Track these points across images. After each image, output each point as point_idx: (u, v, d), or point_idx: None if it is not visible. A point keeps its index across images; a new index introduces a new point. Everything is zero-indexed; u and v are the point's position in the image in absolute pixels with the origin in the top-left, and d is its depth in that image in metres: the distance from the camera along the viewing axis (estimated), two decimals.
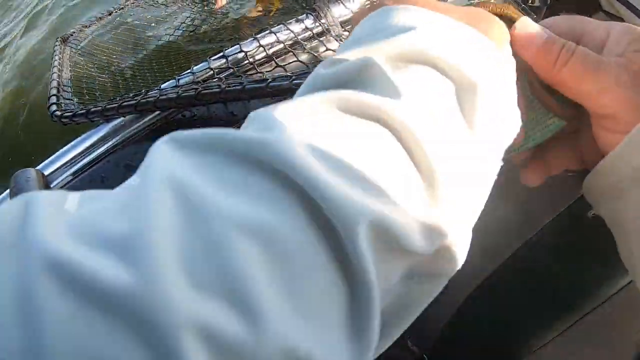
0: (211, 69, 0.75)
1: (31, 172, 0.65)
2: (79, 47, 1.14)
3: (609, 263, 0.34)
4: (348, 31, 0.86)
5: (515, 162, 0.33)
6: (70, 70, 1.01)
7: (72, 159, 0.75)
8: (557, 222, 0.37)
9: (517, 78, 0.27)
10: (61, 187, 0.73)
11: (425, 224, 0.20)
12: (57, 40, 1.14)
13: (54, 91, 0.88)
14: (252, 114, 0.21)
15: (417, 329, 0.48)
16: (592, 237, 0.36)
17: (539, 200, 0.38)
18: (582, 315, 0.35)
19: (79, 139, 0.76)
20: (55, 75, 0.94)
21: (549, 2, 0.82)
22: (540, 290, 0.38)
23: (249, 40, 0.77)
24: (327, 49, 0.77)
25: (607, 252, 0.34)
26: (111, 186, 0.18)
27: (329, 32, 0.80)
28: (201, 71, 0.76)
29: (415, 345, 0.48)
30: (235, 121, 0.77)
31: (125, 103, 0.73)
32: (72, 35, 1.17)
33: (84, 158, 0.75)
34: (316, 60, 0.74)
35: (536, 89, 0.31)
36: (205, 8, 1.27)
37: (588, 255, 0.36)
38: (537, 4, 0.85)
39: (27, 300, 0.14)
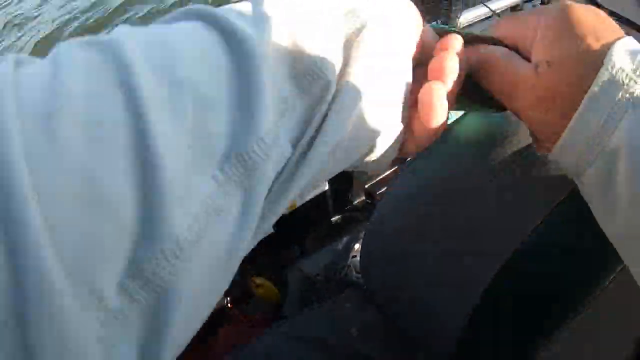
0: None
1: None
2: None
3: (604, 256, 0.36)
4: None
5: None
6: None
7: None
8: (548, 221, 0.39)
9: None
10: None
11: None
12: None
13: None
14: None
15: (429, 341, 0.51)
16: (584, 232, 0.37)
17: (528, 204, 0.40)
18: (584, 311, 0.37)
19: None
20: None
21: None
22: (542, 291, 0.39)
23: None
24: None
25: (603, 245, 0.35)
26: None
27: None
28: None
29: (427, 356, 0.50)
30: None
31: None
32: None
33: None
34: None
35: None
36: None
37: (583, 249, 0.38)
38: None
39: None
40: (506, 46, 0.33)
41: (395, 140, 0.31)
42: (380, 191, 1.09)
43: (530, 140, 0.38)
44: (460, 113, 0.45)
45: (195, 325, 0.23)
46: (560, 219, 0.39)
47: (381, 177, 1.11)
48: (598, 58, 0.28)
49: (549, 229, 0.39)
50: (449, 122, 0.38)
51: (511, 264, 0.40)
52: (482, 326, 0.43)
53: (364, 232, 0.99)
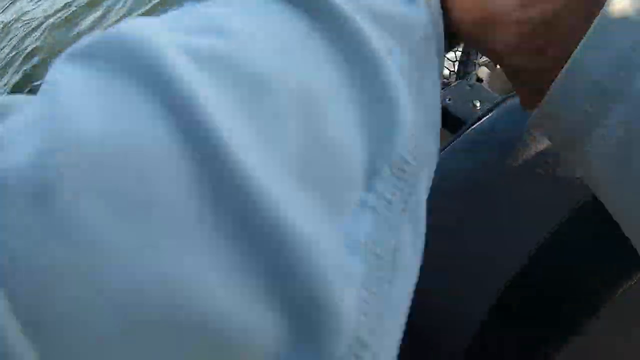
0: None
1: None
2: None
3: (621, 259, 0.35)
4: None
5: None
6: None
7: None
8: (562, 228, 0.38)
9: None
10: None
11: None
12: None
13: None
14: None
15: (437, 343, 0.50)
16: (607, 234, 0.35)
17: (544, 208, 0.39)
18: (596, 319, 0.36)
19: None
20: None
21: None
22: (559, 293, 0.39)
23: None
24: None
25: (617, 249, 0.34)
26: None
27: None
28: None
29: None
30: None
31: None
32: None
33: None
34: None
35: None
36: None
37: (598, 254, 0.37)
38: None
39: None
40: None
41: None
42: None
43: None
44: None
45: None
46: (582, 220, 0.37)
47: None
48: None
49: (570, 229, 0.38)
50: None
51: (530, 264, 0.39)
52: (494, 328, 0.42)
53: None
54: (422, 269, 0.47)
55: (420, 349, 0.51)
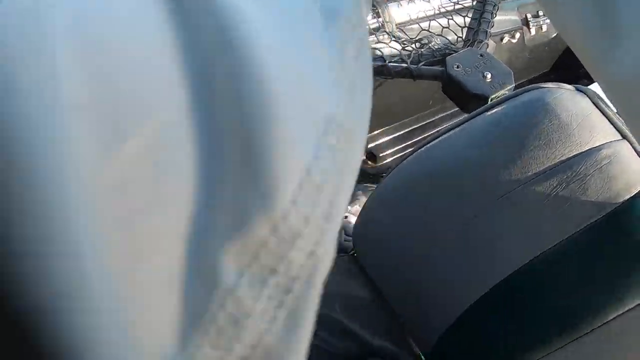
0: None
1: None
2: None
3: (614, 289, 0.36)
4: (402, 30, 0.90)
5: None
6: None
7: None
8: (566, 244, 0.39)
9: None
10: None
11: None
12: None
13: None
14: None
15: (418, 326, 0.51)
16: (599, 262, 0.38)
17: (550, 220, 0.39)
18: (579, 336, 0.37)
19: None
20: None
21: None
22: (544, 306, 0.39)
23: None
24: (379, 42, 0.82)
25: (612, 278, 0.37)
26: None
27: (384, 27, 0.85)
28: None
29: (415, 342, 0.50)
30: None
31: None
32: None
33: None
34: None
35: None
36: None
37: (594, 278, 0.38)
38: None
39: None
40: None
41: None
42: (384, 153, 1.06)
43: (574, 152, 0.36)
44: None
45: None
46: (584, 243, 0.37)
47: (384, 139, 1.08)
48: None
49: (569, 251, 0.38)
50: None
51: (521, 274, 0.39)
52: (468, 328, 0.43)
53: (360, 192, 0.97)
54: (408, 256, 0.47)
55: (400, 332, 0.51)
